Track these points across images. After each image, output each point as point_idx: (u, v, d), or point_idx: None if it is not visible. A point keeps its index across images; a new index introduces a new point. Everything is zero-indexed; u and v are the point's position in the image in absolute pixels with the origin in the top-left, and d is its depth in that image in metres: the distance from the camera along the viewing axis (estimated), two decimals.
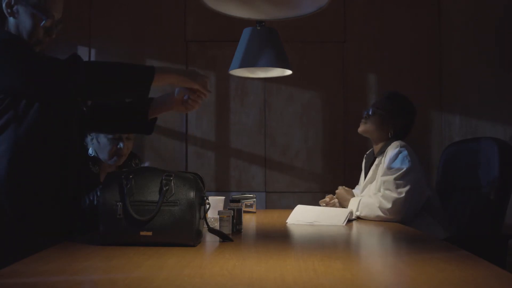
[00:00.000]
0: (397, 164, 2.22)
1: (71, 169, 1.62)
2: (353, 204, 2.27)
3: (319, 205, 2.44)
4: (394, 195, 2.17)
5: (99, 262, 1.24)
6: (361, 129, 2.44)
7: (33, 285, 1.01)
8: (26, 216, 1.49)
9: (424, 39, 3.69)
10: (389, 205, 2.16)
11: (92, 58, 3.64)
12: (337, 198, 2.42)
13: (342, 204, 2.38)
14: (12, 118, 1.49)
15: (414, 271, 1.14)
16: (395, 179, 2.20)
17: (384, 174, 2.25)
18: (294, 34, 3.61)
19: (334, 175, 3.64)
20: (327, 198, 2.47)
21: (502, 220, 2.32)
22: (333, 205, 2.41)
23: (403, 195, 2.17)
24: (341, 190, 2.42)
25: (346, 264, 1.22)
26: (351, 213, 2.13)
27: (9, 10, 1.57)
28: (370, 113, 2.40)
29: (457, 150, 2.70)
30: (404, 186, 2.18)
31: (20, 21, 1.58)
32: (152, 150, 3.65)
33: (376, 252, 1.53)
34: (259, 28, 2.38)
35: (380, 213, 2.17)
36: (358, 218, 2.25)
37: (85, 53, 3.65)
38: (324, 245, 1.63)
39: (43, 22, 1.59)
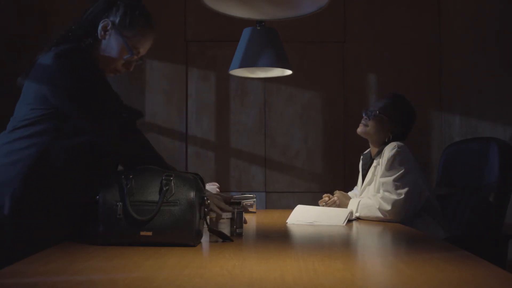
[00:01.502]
0: (395, 165, 2.22)
1: (91, 185, 1.60)
2: (352, 205, 2.27)
3: (319, 205, 2.44)
4: (394, 196, 2.17)
5: (99, 262, 1.24)
6: (360, 130, 2.42)
7: (33, 285, 1.01)
8: (30, 217, 1.49)
9: (424, 39, 3.69)
10: (388, 207, 2.16)
11: None
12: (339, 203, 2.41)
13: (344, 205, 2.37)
14: (51, 129, 1.50)
15: (414, 271, 1.14)
16: (394, 180, 2.20)
17: (383, 176, 2.25)
18: (294, 34, 3.61)
19: (334, 175, 3.64)
20: (325, 198, 2.46)
21: (502, 220, 2.32)
22: (333, 203, 2.40)
23: (402, 196, 2.17)
24: (339, 194, 2.41)
25: (346, 264, 1.22)
26: (351, 213, 2.13)
27: (102, 33, 1.60)
28: (371, 115, 2.39)
29: (457, 150, 2.70)
30: (403, 188, 2.18)
31: (108, 46, 1.61)
32: None
33: (376, 252, 1.53)
34: (259, 28, 2.38)
35: (380, 215, 2.17)
36: (358, 218, 2.25)
37: None
38: (324, 245, 1.63)
39: (128, 56, 1.62)
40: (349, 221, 2.11)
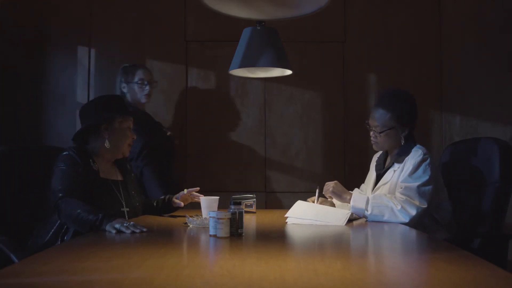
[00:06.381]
0: (419, 172, 2.21)
1: None
2: (359, 200, 2.22)
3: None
4: (418, 203, 2.16)
5: (99, 262, 1.24)
6: (377, 148, 2.44)
7: (33, 285, 1.01)
8: None
9: (424, 39, 3.69)
10: (413, 212, 2.13)
11: (92, 58, 3.64)
12: (334, 191, 2.34)
13: (340, 197, 2.33)
14: None
15: (414, 271, 1.14)
16: (419, 187, 2.18)
17: (405, 180, 2.22)
18: (294, 34, 3.61)
19: (334, 175, 3.63)
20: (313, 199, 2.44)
21: (502, 220, 2.32)
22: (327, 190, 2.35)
23: (426, 206, 2.17)
24: (336, 184, 2.37)
25: (346, 264, 1.22)
26: (351, 213, 2.13)
27: None
28: (377, 134, 2.36)
29: (457, 150, 2.70)
30: (428, 196, 2.18)
31: None
32: None
33: (376, 252, 1.53)
34: (259, 28, 2.38)
35: (401, 218, 2.14)
36: (355, 219, 2.22)
37: (85, 53, 3.64)
38: (324, 245, 1.63)
39: None
40: (349, 221, 2.11)
